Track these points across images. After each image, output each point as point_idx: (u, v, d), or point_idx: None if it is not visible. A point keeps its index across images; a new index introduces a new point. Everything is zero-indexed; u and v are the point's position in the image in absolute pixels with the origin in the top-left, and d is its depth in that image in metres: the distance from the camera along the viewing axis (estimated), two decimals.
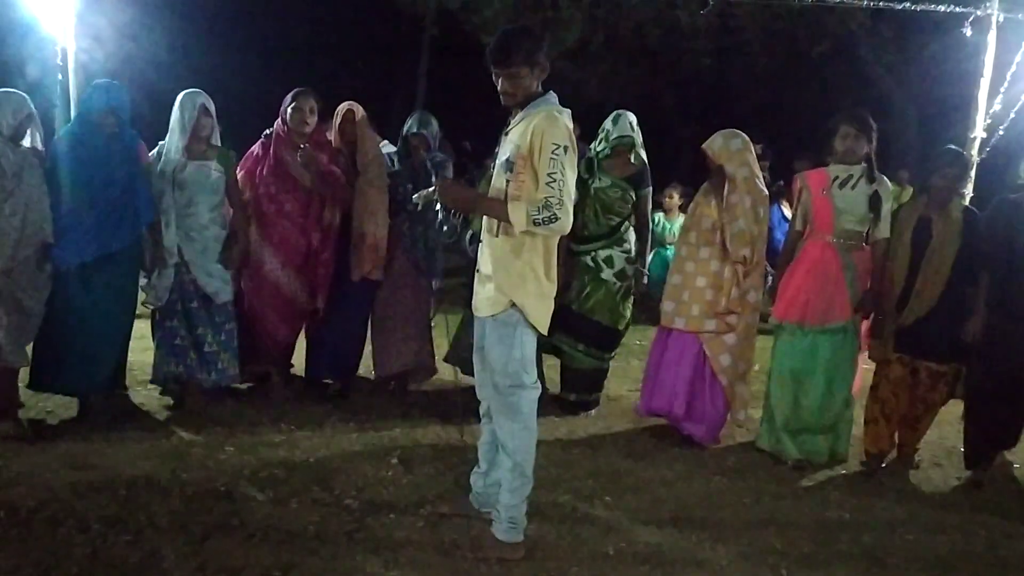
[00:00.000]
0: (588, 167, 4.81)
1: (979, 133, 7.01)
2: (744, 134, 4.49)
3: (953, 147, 4.41)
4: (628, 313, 4.91)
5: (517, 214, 2.87)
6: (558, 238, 3.05)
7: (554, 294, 3.08)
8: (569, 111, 3.00)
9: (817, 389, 4.29)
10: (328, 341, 4.85)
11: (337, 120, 4.79)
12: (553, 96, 3.01)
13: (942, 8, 7.30)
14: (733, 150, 4.41)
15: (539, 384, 3.12)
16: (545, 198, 2.85)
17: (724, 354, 4.43)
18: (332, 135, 4.80)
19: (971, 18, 7.21)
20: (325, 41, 15.96)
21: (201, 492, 3.42)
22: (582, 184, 4.72)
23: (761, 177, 4.51)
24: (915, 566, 3.27)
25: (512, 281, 2.98)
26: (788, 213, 6.86)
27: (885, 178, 4.32)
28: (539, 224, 2.86)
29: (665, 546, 3.25)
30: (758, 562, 3.19)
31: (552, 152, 2.84)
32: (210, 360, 4.42)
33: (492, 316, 3.02)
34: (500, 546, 3.07)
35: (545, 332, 3.08)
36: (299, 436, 4.16)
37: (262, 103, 4.86)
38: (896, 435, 4.36)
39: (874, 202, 4.20)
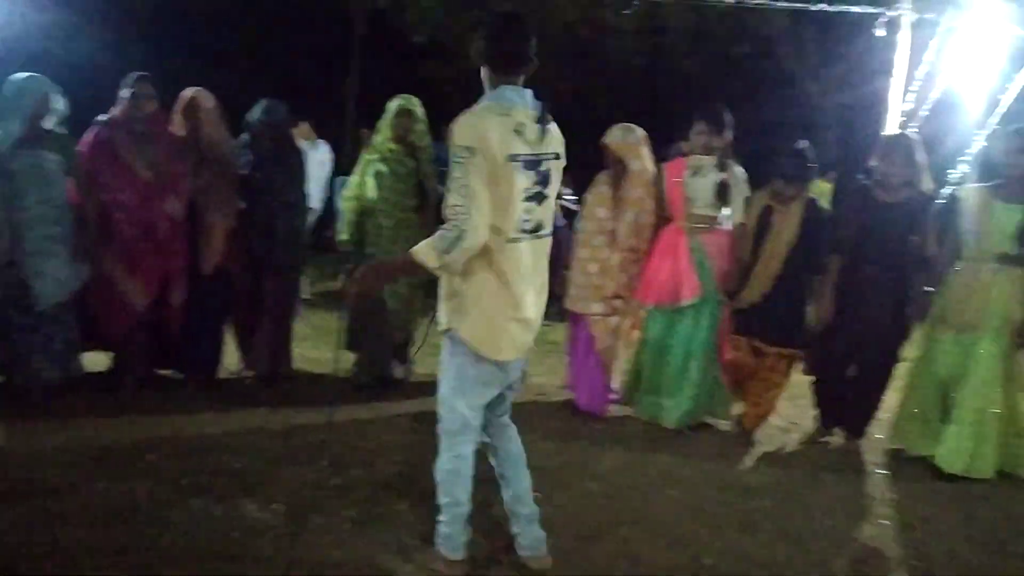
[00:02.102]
0: None
1: (892, 130, 7.23)
2: (640, 128, 4.70)
3: (799, 145, 4.60)
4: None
5: (424, 255, 2.56)
6: (521, 251, 2.68)
7: (516, 313, 2.70)
8: (504, 107, 2.62)
9: (676, 361, 4.65)
10: (181, 334, 4.75)
11: (179, 106, 4.69)
12: (486, 97, 2.69)
13: (856, 9, 7.52)
14: (630, 143, 4.65)
15: (474, 429, 2.84)
16: (452, 206, 2.52)
17: (607, 334, 4.73)
18: (174, 122, 4.69)
19: (884, 18, 7.44)
20: (260, 42, 15.61)
21: (117, 506, 3.29)
22: None
23: (652, 171, 4.71)
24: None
25: (446, 302, 2.75)
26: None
27: (737, 166, 4.60)
28: (448, 252, 2.51)
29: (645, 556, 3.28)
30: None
31: (456, 157, 2.53)
32: (49, 353, 4.31)
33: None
34: (435, 557, 2.96)
35: (497, 357, 2.72)
36: (225, 441, 4.06)
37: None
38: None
39: (721, 189, 4.53)
